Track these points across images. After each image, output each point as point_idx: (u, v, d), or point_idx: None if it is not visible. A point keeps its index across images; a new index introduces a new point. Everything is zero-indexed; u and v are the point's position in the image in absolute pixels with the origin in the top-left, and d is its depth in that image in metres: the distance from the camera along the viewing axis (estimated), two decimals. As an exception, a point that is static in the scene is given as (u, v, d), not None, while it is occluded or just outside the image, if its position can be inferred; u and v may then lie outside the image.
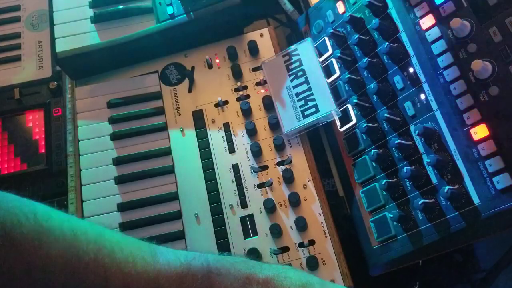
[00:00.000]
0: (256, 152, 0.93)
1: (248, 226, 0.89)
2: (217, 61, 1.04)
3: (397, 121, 0.83)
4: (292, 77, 0.97)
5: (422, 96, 0.81)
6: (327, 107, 0.91)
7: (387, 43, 0.84)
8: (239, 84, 1.00)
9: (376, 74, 0.88)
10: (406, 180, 0.81)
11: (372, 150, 0.84)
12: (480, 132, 0.72)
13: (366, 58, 0.87)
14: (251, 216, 0.90)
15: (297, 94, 0.95)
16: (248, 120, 0.96)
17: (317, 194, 0.90)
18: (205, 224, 0.91)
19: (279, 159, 0.93)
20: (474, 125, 0.73)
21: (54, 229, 0.57)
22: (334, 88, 0.94)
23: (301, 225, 0.87)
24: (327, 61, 0.96)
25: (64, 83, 1.09)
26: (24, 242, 0.54)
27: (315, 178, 0.92)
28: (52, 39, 1.04)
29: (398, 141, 0.80)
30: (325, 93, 0.92)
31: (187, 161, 0.96)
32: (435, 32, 0.79)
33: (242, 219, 0.90)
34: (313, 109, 0.92)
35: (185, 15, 1.00)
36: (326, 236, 0.87)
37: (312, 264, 0.84)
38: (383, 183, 0.81)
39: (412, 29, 0.83)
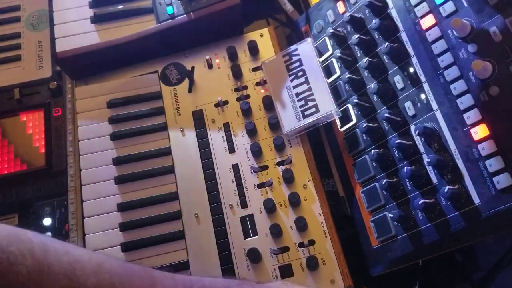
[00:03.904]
0: (256, 152, 0.93)
1: (248, 226, 0.89)
2: (217, 61, 1.04)
3: (397, 121, 0.83)
4: (292, 77, 0.97)
5: (423, 96, 0.81)
6: (327, 107, 0.91)
7: (387, 43, 0.84)
8: (239, 84, 1.00)
9: (377, 74, 0.88)
10: (406, 180, 0.81)
11: (373, 150, 0.84)
12: (480, 132, 0.72)
13: (367, 58, 0.87)
14: (251, 216, 0.90)
15: (297, 94, 0.95)
16: (248, 120, 0.96)
17: (317, 194, 0.90)
18: (205, 224, 0.91)
19: (279, 159, 0.93)
20: (474, 125, 0.73)
21: (53, 265, 0.56)
22: (334, 88, 0.94)
23: (301, 225, 0.87)
24: (327, 61, 0.96)
25: (64, 83, 1.09)
26: (22, 283, 0.53)
27: (315, 178, 0.92)
28: (52, 39, 1.04)
29: (398, 141, 0.80)
30: (325, 93, 0.92)
31: (187, 161, 0.96)
32: (436, 32, 0.79)
33: (242, 219, 0.90)
34: (313, 109, 0.92)
35: (185, 15, 1.00)
36: (326, 236, 0.87)
37: (312, 264, 0.84)
38: (383, 183, 0.81)
39: (412, 29, 0.83)
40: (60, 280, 0.56)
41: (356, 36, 0.89)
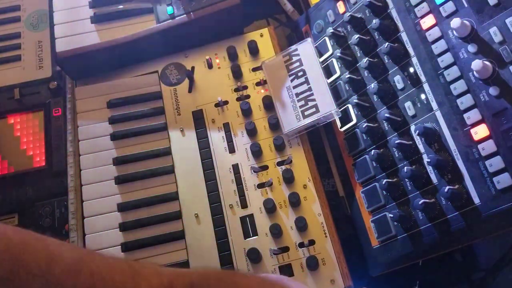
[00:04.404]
0: (256, 152, 0.93)
1: (248, 226, 0.89)
2: (217, 61, 1.04)
3: (398, 121, 0.83)
4: (292, 77, 0.97)
5: (423, 96, 0.81)
6: (327, 107, 0.91)
7: (387, 43, 0.84)
8: (239, 84, 1.00)
9: (377, 74, 0.88)
10: (406, 180, 0.80)
11: (373, 150, 0.84)
12: (480, 132, 0.72)
13: (367, 58, 0.87)
14: (251, 216, 0.90)
15: (297, 94, 0.95)
16: (248, 120, 0.96)
17: (317, 194, 0.90)
18: (205, 224, 0.91)
19: (279, 159, 0.93)
20: (474, 125, 0.73)
21: (30, 264, 0.55)
22: (334, 88, 0.94)
23: (301, 225, 0.87)
24: (327, 61, 0.96)
25: (64, 83, 1.09)
26: None
27: (315, 178, 0.92)
28: (52, 39, 1.04)
29: (399, 141, 0.80)
30: (325, 93, 0.92)
31: (187, 161, 0.96)
32: (436, 32, 0.79)
33: (242, 219, 0.90)
34: (313, 109, 0.92)
35: (185, 15, 1.00)
36: (326, 236, 0.87)
37: (312, 264, 0.84)
38: (383, 183, 0.81)
39: (412, 29, 0.83)
40: (37, 280, 0.55)
41: (356, 36, 0.89)
